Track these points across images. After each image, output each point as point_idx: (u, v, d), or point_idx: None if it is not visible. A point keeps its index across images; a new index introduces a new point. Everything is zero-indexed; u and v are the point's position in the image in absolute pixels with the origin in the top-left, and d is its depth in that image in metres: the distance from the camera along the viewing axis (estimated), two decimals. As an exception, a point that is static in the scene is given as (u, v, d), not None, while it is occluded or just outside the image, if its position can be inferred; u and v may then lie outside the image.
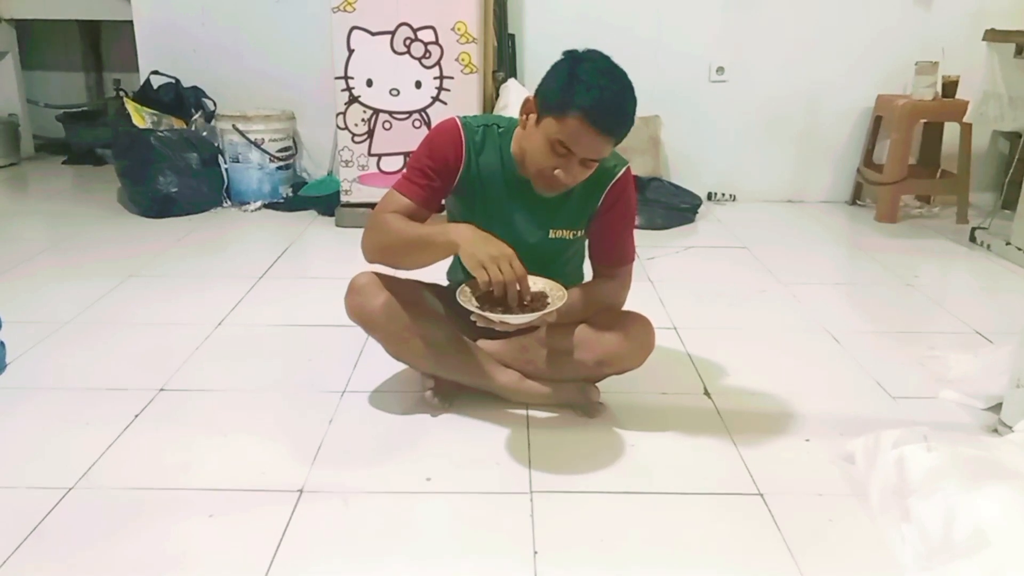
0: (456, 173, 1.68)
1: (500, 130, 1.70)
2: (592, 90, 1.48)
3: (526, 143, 1.60)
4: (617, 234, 1.76)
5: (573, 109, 1.49)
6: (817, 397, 1.92)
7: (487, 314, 1.53)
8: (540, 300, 1.60)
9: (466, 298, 1.57)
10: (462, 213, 1.75)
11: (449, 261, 1.91)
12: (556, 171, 1.55)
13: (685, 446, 1.69)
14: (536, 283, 1.64)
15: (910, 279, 2.81)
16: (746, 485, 1.55)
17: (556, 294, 1.61)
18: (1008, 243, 3.01)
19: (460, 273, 1.81)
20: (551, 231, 1.73)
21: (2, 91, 4.40)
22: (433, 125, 1.75)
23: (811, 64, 3.75)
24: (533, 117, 1.58)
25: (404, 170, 1.71)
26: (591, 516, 1.45)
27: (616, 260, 1.78)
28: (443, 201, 1.76)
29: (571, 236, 1.74)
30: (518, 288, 1.52)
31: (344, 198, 3.35)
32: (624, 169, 1.72)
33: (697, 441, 1.71)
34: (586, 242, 1.80)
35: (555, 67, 1.55)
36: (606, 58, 1.55)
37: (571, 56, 1.55)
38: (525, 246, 1.69)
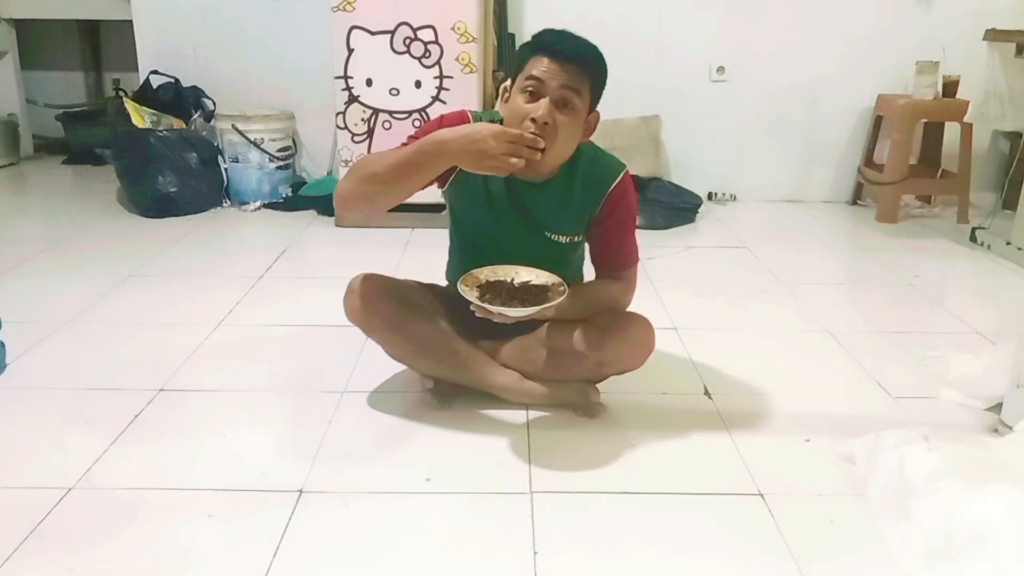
0: None
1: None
2: (544, 34, 1.59)
3: (505, 117, 1.61)
4: (620, 239, 1.76)
5: (531, 54, 1.57)
6: (817, 397, 1.92)
7: (486, 305, 1.53)
8: (541, 294, 1.60)
9: (467, 288, 1.57)
10: (462, 207, 1.75)
11: (446, 264, 1.91)
12: (533, 114, 1.52)
13: (685, 446, 1.69)
14: (539, 276, 1.64)
15: (910, 279, 2.80)
16: (746, 485, 1.54)
17: (557, 289, 1.61)
18: (1008, 243, 3.01)
19: (459, 274, 1.81)
20: (548, 234, 1.72)
21: (1, 91, 4.39)
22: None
23: (811, 64, 3.75)
24: (508, 94, 1.62)
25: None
26: (591, 516, 1.45)
27: (620, 264, 1.78)
28: (442, 192, 1.76)
29: (568, 240, 1.74)
30: (534, 142, 1.49)
31: (344, 198, 3.34)
32: (623, 173, 1.72)
33: (697, 441, 1.71)
34: (586, 246, 1.80)
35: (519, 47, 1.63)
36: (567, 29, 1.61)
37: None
38: (522, 247, 1.70)
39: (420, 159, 1.52)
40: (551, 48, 1.55)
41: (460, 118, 1.67)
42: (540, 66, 1.54)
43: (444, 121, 1.66)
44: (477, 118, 1.67)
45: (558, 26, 1.62)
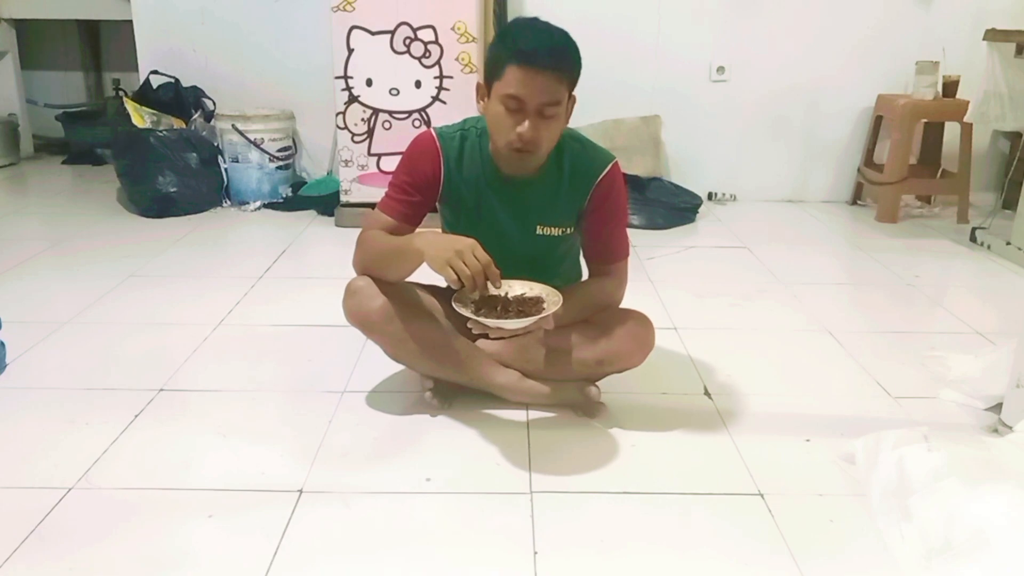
0: (437, 186, 1.71)
1: (477, 132, 1.71)
2: (518, 37, 1.55)
3: (487, 121, 1.63)
4: (609, 231, 1.76)
5: (507, 61, 1.53)
6: (817, 397, 1.92)
7: (482, 320, 1.53)
8: (536, 306, 1.60)
9: (461, 304, 1.57)
10: (451, 218, 1.78)
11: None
12: (518, 129, 1.55)
13: (685, 446, 1.69)
14: (533, 288, 1.64)
15: (910, 279, 2.80)
16: (746, 485, 1.54)
17: (552, 299, 1.61)
18: (1008, 243, 3.01)
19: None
20: (538, 227, 1.73)
21: (2, 91, 4.39)
22: (426, 128, 1.77)
23: (811, 64, 3.75)
24: (486, 97, 1.61)
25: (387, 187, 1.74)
26: (591, 516, 1.45)
27: (610, 257, 1.78)
28: (437, 205, 1.78)
29: (559, 233, 1.75)
30: (493, 278, 1.52)
31: (344, 198, 3.34)
32: (611, 165, 1.72)
33: (697, 441, 1.71)
34: (579, 240, 1.80)
35: (491, 44, 1.61)
36: (536, 18, 1.59)
37: (503, 27, 1.61)
38: (513, 244, 1.70)
39: (403, 255, 1.62)
40: (528, 57, 1.51)
41: (428, 145, 1.70)
42: (518, 80, 1.52)
43: (413, 157, 1.70)
44: (445, 137, 1.70)
45: (558, 25, 1.61)
